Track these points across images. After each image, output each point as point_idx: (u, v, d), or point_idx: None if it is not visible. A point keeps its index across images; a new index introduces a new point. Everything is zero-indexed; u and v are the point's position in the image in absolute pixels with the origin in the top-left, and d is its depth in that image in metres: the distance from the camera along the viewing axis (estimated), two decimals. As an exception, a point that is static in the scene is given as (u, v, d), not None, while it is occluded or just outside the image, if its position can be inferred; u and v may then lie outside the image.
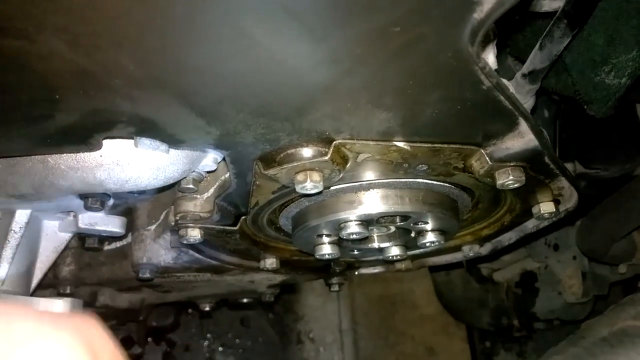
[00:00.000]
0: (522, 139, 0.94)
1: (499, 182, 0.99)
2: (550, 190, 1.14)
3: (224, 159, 1.03)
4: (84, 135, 0.84)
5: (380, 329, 3.53)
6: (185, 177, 1.09)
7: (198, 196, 1.17)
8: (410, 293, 3.56)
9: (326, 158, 0.91)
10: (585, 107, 1.19)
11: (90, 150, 0.89)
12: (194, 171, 1.08)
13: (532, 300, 2.21)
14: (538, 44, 0.96)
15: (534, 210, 1.18)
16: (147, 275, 1.39)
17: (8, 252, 1.17)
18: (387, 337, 3.53)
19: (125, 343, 2.73)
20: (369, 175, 1.04)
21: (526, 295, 2.24)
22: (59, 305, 1.21)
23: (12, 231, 1.17)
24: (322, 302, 3.52)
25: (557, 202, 1.18)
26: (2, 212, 1.17)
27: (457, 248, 1.52)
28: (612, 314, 0.73)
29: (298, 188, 0.94)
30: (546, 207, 1.16)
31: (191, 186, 1.10)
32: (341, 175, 0.98)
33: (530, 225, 1.34)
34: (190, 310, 3.16)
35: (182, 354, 3.18)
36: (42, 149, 0.91)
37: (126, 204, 1.39)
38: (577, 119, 1.53)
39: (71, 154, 0.94)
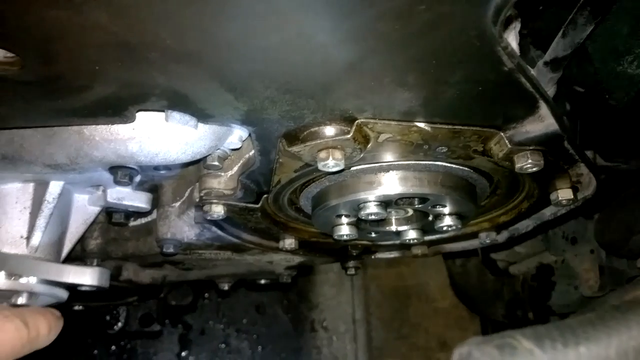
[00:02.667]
0: (542, 122, 0.96)
1: (518, 165, 1.01)
2: (569, 177, 1.15)
3: (249, 136, 1.06)
4: (119, 107, 0.88)
5: (393, 321, 3.56)
6: (210, 154, 1.13)
7: (222, 174, 1.21)
8: (425, 286, 3.58)
9: (348, 136, 0.94)
10: (606, 97, 1.20)
11: (124, 122, 0.93)
12: (219, 148, 1.12)
13: (548, 293, 2.21)
14: (561, 31, 0.97)
15: (552, 196, 1.19)
16: (171, 250, 1.44)
17: (41, 221, 1.23)
18: (400, 329, 3.56)
19: (145, 320, 2.81)
20: (389, 156, 1.07)
21: (542, 288, 2.25)
22: (89, 273, 1.27)
23: (46, 201, 1.22)
24: (336, 292, 3.56)
25: (575, 190, 1.19)
26: (37, 182, 1.23)
27: (474, 235, 1.54)
28: (625, 288, 0.75)
29: (320, 165, 0.97)
30: (564, 193, 1.17)
31: (216, 163, 1.14)
32: (362, 155, 1.01)
33: (548, 213, 1.36)
34: (207, 295, 3.23)
35: (197, 337, 3.25)
36: (79, 120, 0.95)
37: (152, 181, 1.44)
38: (599, 111, 1.53)
39: (105, 126, 0.98)
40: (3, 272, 1.21)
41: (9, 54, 0.75)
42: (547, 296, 2.23)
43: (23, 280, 1.24)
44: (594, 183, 1.19)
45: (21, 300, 1.26)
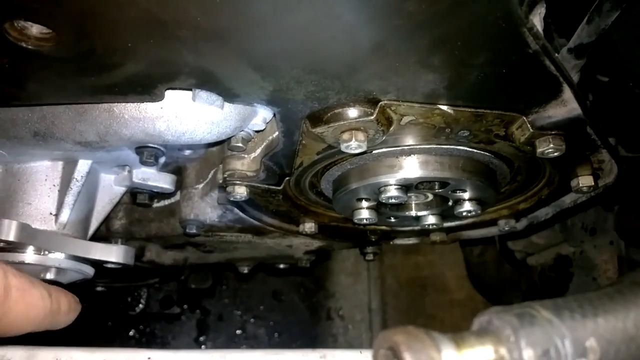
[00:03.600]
0: (565, 107, 0.96)
1: (539, 150, 1.01)
2: (590, 164, 1.15)
3: (273, 117, 1.08)
4: (149, 85, 0.91)
5: (409, 311, 3.57)
6: (234, 136, 1.15)
7: (246, 155, 1.23)
8: (441, 277, 3.58)
9: (372, 118, 0.96)
10: (631, 85, 1.19)
11: (153, 100, 0.96)
12: (243, 130, 1.14)
13: (566, 284, 2.21)
14: (586, 17, 0.97)
15: (573, 183, 1.19)
16: (194, 231, 1.47)
17: (70, 198, 1.27)
18: (415, 319, 3.56)
19: (165, 302, 2.87)
20: (411, 139, 1.08)
21: (560, 279, 2.24)
22: (115, 250, 1.31)
23: (75, 179, 1.26)
24: (352, 281, 3.58)
25: (596, 176, 1.19)
26: (66, 161, 1.27)
27: (493, 222, 1.54)
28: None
29: (343, 147, 0.99)
30: (585, 180, 1.17)
31: (240, 144, 1.16)
32: (384, 137, 1.02)
33: (568, 200, 1.36)
34: (224, 282, 3.27)
35: (215, 322, 3.30)
36: (110, 97, 0.98)
37: (176, 163, 1.47)
38: (622, 100, 1.52)
39: (134, 104, 1.01)
40: (32, 248, 1.25)
41: (45, 30, 0.78)
42: (565, 287, 2.22)
43: (52, 255, 1.28)
44: (615, 170, 1.18)
45: (50, 275, 1.31)
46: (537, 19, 1.01)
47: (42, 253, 1.26)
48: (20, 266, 1.25)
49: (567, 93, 0.92)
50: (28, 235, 1.17)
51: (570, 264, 2.21)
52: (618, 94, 1.51)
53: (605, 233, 1.98)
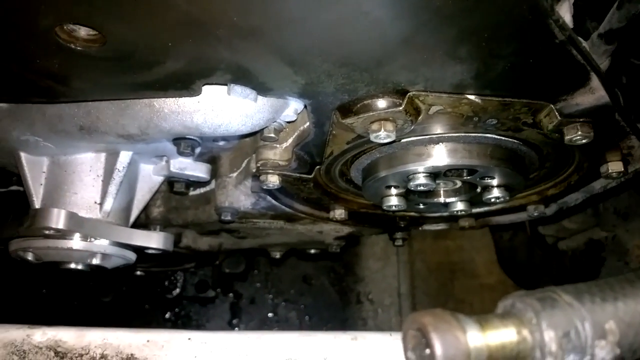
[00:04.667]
0: (593, 95, 0.96)
1: (567, 137, 1.02)
2: (620, 149, 1.15)
3: (304, 108, 1.12)
4: (187, 81, 0.96)
5: (438, 295, 3.58)
6: (267, 127, 1.19)
7: (278, 145, 1.27)
8: (471, 262, 3.57)
9: (400, 108, 0.98)
10: (662, 69, 1.18)
11: (191, 95, 1.01)
12: (276, 121, 1.18)
13: (597, 269, 2.19)
14: (616, 2, 0.97)
15: (602, 169, 1.20)
16: (228, 218, 1.53)
17: (113, 188, 1.34)
18: (445, 304, 3.57)
19: (201, 286, 2.96)
20: (439, 128, 1.10)
21: (591, 264, 2.23)
22: (155, 237, 1.38)
23: (117, 170, 1.33)
24: (382, 266, 3.61)
25: (626, 162, 1.19)
26: (108, 152, 1.34)
27: (522, 208, 1.55)
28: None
29: (372, 137, 1.02)
30: (614, 166, 1.17)
31: (273, 135, 1.20)
32: (413, 127, 1.05)
33: (598, 186, 1.36)
34: (256, 267, 3.35)
35: (247, 305, 3.38)
36: (151, 93, 1.03)
37: (210, 153, 1.52)
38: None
39: (173, 99, 1.07)
40: (79, 235, 1.33)
41: (92, 32, 0.83)
42: (597, 272, 2.21)
43: (97, 242, 1.36)
44: (646, 156, 1.18)
45: (95, 260, 1.39)
46: (566, 6, 1.02)
47: (88, 240, 1.34)
48: (68, 252, 1.33)
49: (595, 81, 0.93)
50: (75, 223, 1.25)
51: (602, 249, 2.20)
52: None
53: (638, 217, 1.96)
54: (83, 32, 0.83)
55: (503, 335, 0.55)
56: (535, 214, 1.52)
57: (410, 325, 0.56)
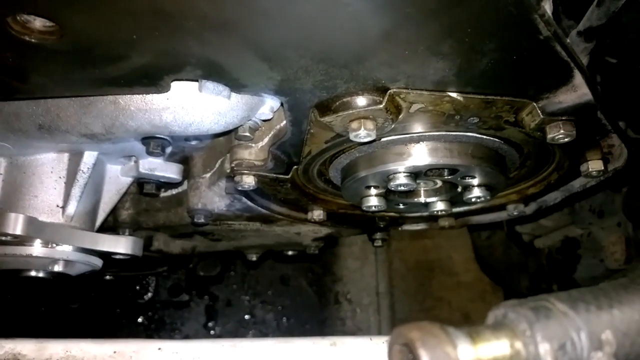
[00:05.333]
0: (575, 92, 0.94)
1: (550, 136, 1.00)
2: (600, 148, 1.14)
3: (280, 106, 1.07)
4: (154, 76, 0.90)
5: (417, 294, 3.58)
6: (242, 125, 1.14)
7: (253, 145, 1.22)
8: (448, 260, 3.58)
9: (381, 106, 0.95)
10: (640, 67, 1.17)
11: (159, 91, 0.95)
12: (251, 119, 1.13)
13: (573, 266, 2.21)
14: (596, 0, 0.95)
15: (582, 168, 1.18)
16: (202, 220, 1.47)
17: (76, 190, 1.27)
18: (423, 302, 3.58)
19: (174, 290, 2.89)
20: (420, 127, 1.07)
21: (567, 261, 2.24)
22: (123, 242, 1.31)
23: (81, 171, 1.26)
24: (360, 265, 3.59)
25: (606, 161, 1.18)
26: (71, 152, 1.26)
27: (502, 207, 1.53)
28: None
29: (352, 136, 0.98)
30: (595, 165, 1.16)
31: (247, 134, 1.15)
32: (393, 125, 1.01)
33: (577, 184, 1.35)
34: (232, 268, 3.29)
35: (224, 308, 3.32)
36: (116, 89, 0.97)
37: (182, 153, 1.46)
38: (631, 83, 1.50)
39: (140, 96, 1.00)
40: (39, 241, 1.25)
41: (49, 23, 0.77)
42: (573, 269, 2.22)
43: (59, 248, 1.28)
44: (625, 154, 1.17)
45: (57, 267, 1.32)
46: (547, 3, 0.99)
47: (49, 246, 1.26)
48: (28, 259, 1.25)
49: (578, 78, 0.91)
50: (35, 229, 1.17)
51: (578, 246, 2.21)
52: (627, 76, 1.49)
53: (613, 215, 1.97)
54: (38, 23, 0.77)
55: (495, 348, 0.52)
56: (515, 213, 1.50)
57: (396, 339, 0.52)
